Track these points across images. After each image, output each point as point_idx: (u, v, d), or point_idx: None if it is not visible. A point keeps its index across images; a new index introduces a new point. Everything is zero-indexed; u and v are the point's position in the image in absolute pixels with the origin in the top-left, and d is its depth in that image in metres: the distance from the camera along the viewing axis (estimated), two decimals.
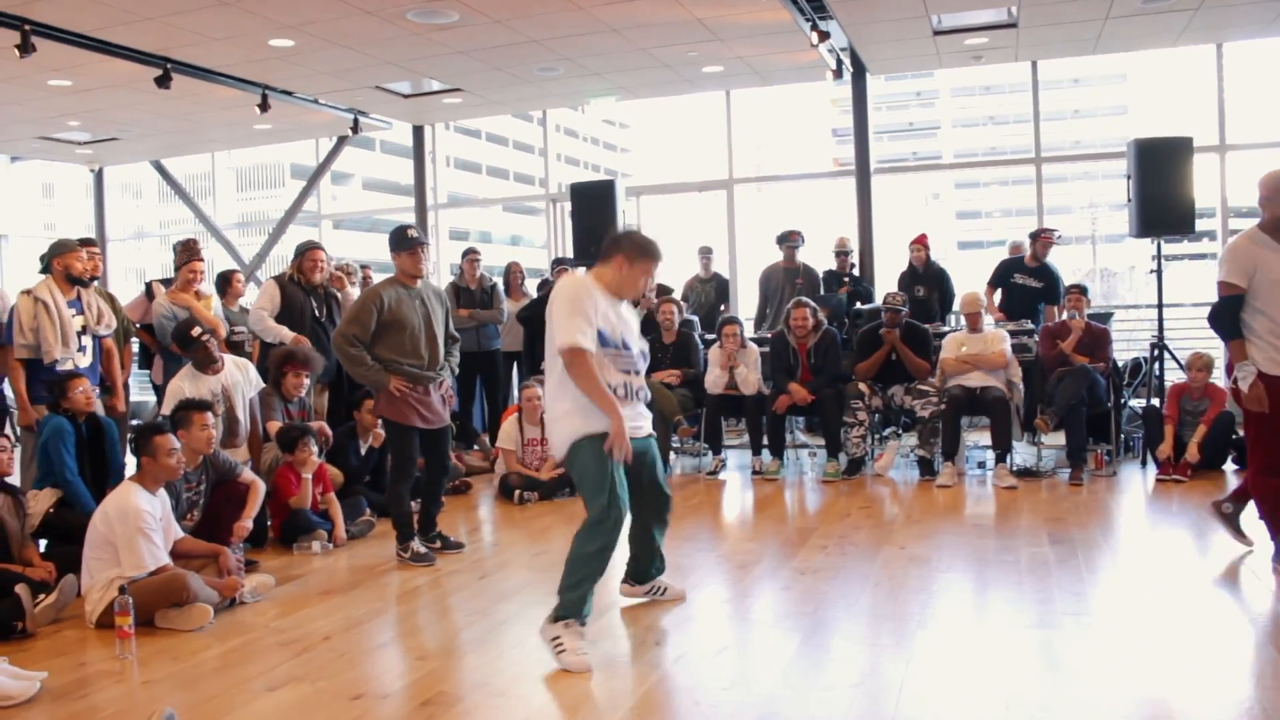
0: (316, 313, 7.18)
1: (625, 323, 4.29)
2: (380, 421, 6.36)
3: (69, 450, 5.57)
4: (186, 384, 6.12)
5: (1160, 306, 8.54)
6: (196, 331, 6.28)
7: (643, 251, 4.23)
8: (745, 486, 7.83)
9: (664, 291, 9.66)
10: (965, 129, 70.16)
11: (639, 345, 4.36)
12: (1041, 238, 8.92)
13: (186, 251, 7.43)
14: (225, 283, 8.05)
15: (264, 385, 6.63)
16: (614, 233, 4.44)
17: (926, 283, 9.29)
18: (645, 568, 4.75)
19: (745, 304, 11.14)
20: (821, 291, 9.57)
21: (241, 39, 8.84)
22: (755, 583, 5.04)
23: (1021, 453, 8.05)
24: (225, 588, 4.79)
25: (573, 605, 4.02)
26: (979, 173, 66.58)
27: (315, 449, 6.30)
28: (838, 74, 10.29)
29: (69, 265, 6.10)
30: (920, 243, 9.45)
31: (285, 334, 7.00)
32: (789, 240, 9.71)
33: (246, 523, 5.44)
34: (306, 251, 7.24)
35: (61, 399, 5.64)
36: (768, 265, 9.97)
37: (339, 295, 7.55)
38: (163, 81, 9.20)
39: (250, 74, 10.03)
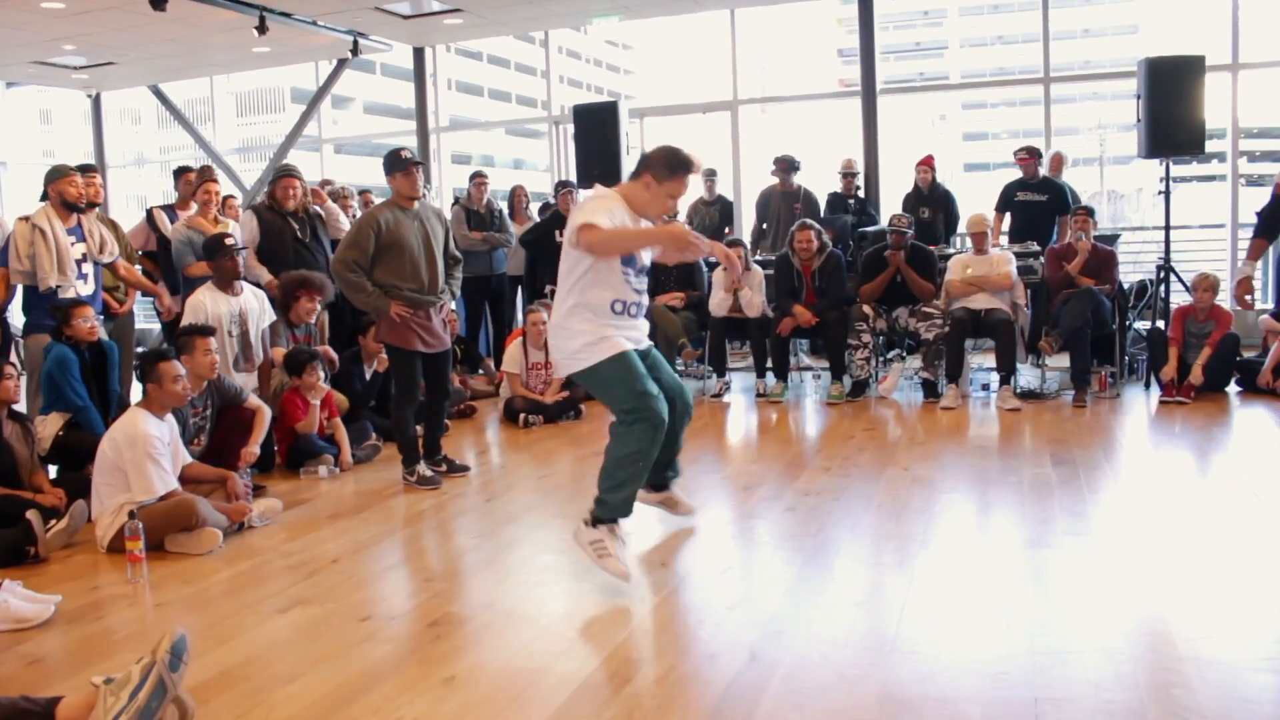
0: (299, 234, 7.07)
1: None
2: (383, 346, 6.36)
3: (75, 377, 5.59)
4: (208, 299, 6.11)
5: (1167, 229, 8.48)
6: (230, 241, 6.28)
7: (671, 168, 3.98)
8: (749, 409, 7.85)
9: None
10: (973, 49, 69.04)
11: (644, 264, 4.21)
12: (1020, 160, 8.87)
13: (200, 176, 7.36)
14: (220, 209, 7.99)
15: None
16: (662, 150, 4.06)
17: (931, 204, 9.23)
18: (661, 471, 4.56)
19: (749, 226, 11.08)
20: (822, 214, 9.51)
21: None
22: (759, 504, 5.08)
23: (1025, 375, 8.06)
24: (234, 512, 4.83)
25: (617, 507, 3.98)
26: (986, 93, 65.50)
27: (323, 374, 6.31)
28: None
29: (63, 191, 6.03)
30: (926, 164, 9.37)
31: (263, 275, 6.94)
32: (781, 165, 9.61)
33: (254, 448, 5.48)
34: (280, 179, 7.11)
35: (64, 326, 5.64)
36: (765, 188, 9.90)
37: (321, 213, 7.44)
38: (158, 4, 9.06)
39: None
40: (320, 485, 5.88)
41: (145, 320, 11.34)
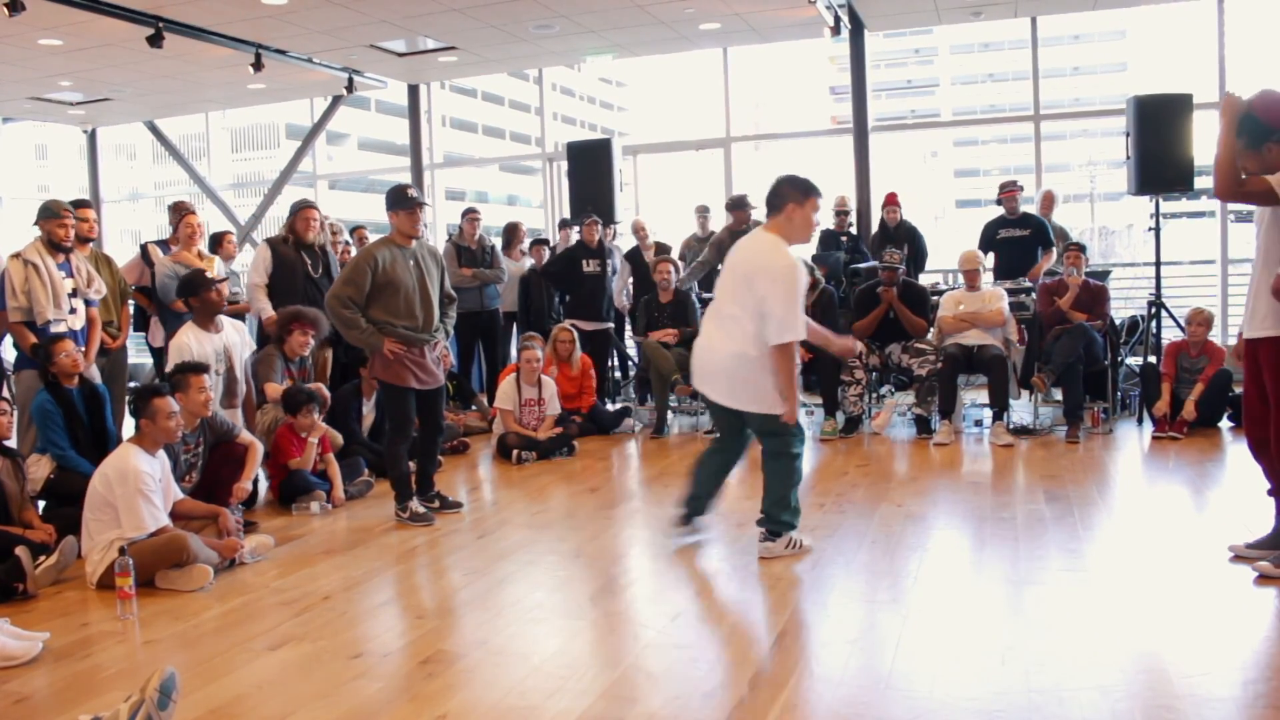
0: (311, 271, 7.12)
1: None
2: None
3: (57, 426, 5.54)
4: (192, 340, 6.07)
5: (1158, 264, 8.54)
6: (211, 274, 6.27)
7: (804, 191, 4.69)
8: None
9: (661, 250, 9.62)
10: (964, 86, 69.73)
11: None
12: (1005, 194, 8.90)
13: (178, 211, 7.39)
14: (216, 244, 8.03)
15: (258, 349, 6.62)
16: (773, 184, 4.78)
17: (897, 241, 9.26)
18: (701, 508, 5.14)
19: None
20: (815, 251, 9.52)
21: None
22: (753, 540, 5.05)
23: (1019, 411, 8.07)
24: (225, 548, 4.81)
25: (792, 519, 4.78)
26: (978, 130, 66.16)
27: (319, 414, 6.31)
28: (836, 30, 10.19)
29: (50, 232, 6.02)
30: (892, 201, 9.44)
31: (266, 309, 6.96)
32: (741, 205, 9.54)
33: (245, 484, 5.45)
34: (300, 210, 7.20)
35: (48, 364, 5.59)
36: (719, 230, 9.72)
37: (333, 252, 7.51)
38: (155, 41, 9.12)
39: (243, 33, 9.94)
40: (312, 521, 5.85)
41: (138, 355, 11.32)
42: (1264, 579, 4.14)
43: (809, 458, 7.29)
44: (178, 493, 4.98)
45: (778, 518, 4.77)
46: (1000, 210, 8.98)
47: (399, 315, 5.54)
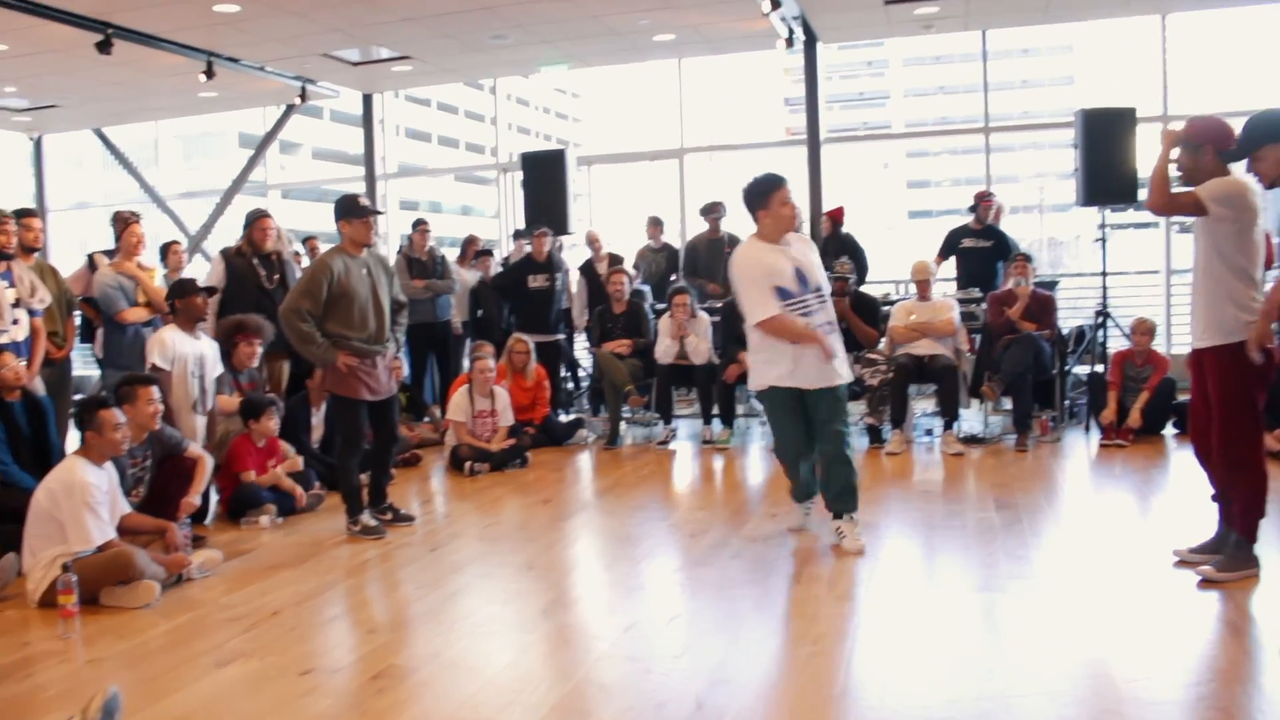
0: (265, 283, 7.04)
1: (801, 260, 4.96)
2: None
3: None
4: (174, 337, 5.97)
5: (1104, 275, 8.66)
6: (202, 282, 6.22)
7: (769, 186, 4.96)
8: (696, 456, 7.87)
9: (615, 261, 9.63)
10: (915, 98, 70.42)
11: (815, 281, 4.99)
12: (984, 202, 9.01)
13: (121, 221, 7.28)
14: (164, 254, 7.93)
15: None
16: (744, 189, 5.05)
17: (835, 254, 9.33)
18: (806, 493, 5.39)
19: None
20: None
21: (185, 3, 8.66)
22: (706, 551, 5.07)
23: (969, 419, 8.15)
24: (172, 564, 4.73)
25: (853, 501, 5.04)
26: (929, 142, 66.92)
27: (278, 421, 6.27)
28: (789, 42, 10.25)
29: None
30: (837, 215, 9.53)
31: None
32: (713, 211, 9.63)
33: (194, 498, 5.38)
34: (256, 220, 7.11)
35: None
36: (692, 237, 9.85)
37: (290, 261, 7.42)
38: (104, 47, 9.00)
39: (195, 40, 9.83)
40: (262, 535, 5.78)
41: (84, 366, 11.14)
42: (1207, 582, 4.22)
43: (761, 468, 7.33)
44: (125, 506, 4.90)
45: (844, 500, 5.07)
46: (967, 219, 9.09)
47: (353, 327, 5.49)
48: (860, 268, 9.52)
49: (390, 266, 5.90)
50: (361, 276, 5.53)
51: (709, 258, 9.41)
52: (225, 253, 7.14)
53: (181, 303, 6.14)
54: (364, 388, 5.57)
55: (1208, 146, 4.25)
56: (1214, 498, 4.51)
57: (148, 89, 11.81)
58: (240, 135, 39.67)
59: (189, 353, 5.96)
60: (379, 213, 5.63)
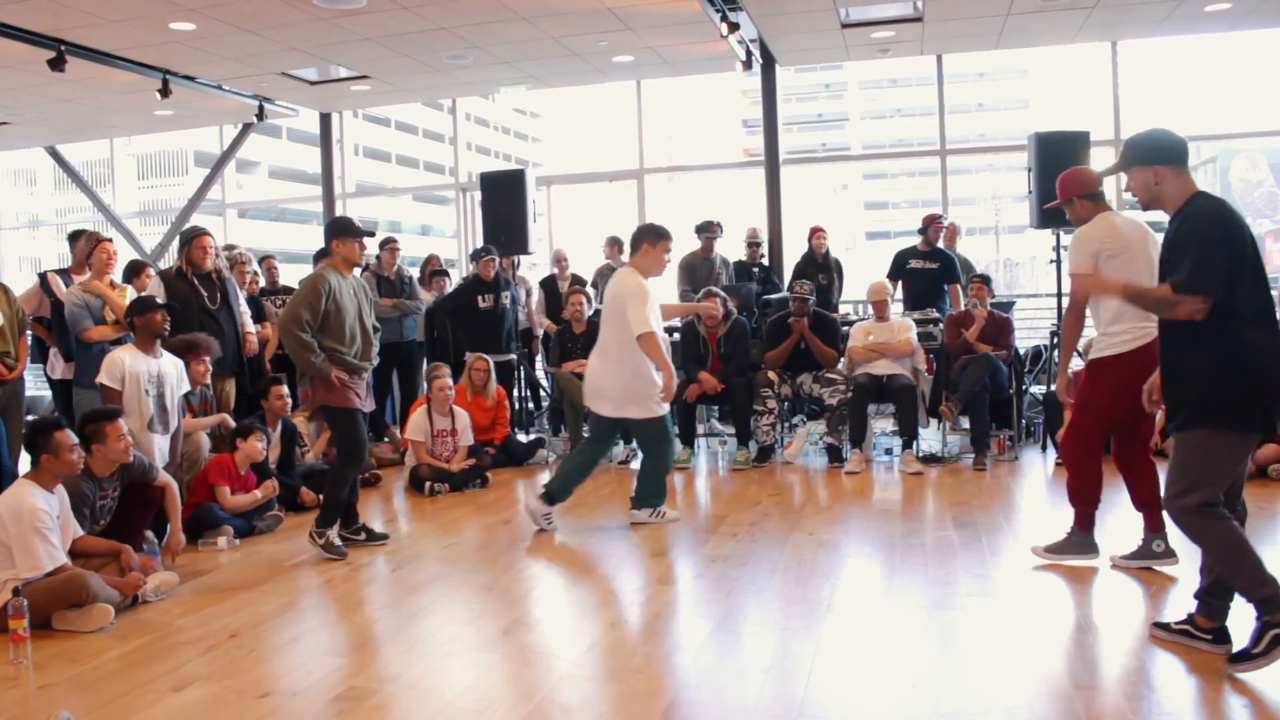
0: (208, 303, 6.96)
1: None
2: (315, 410, 6.25)
3: None
4: (126, 356, 5.87)
5: (1059, 296, 8.76)
6: (161, 299, 6.15)
7: (658, 234, 6.00)
8: None
9: (575, 281, 9.64)
10: (873, 121, 71.23)
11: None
12: (933, 225, 9.12)
13: (91, 239, 7.19)
14: (134, 273, 7.83)
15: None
16: (644, 224, 6.21)
17: (826, 271, 9.43)
18: (562, 494, 6.13)
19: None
20: (733, 279, 9.64)
21: (140, 21, 8.61)
22: (667, 570, 5.07)
23: (927, 439, 8.22)
24: (126, 585, 4.66)
25: (658, 497, 6.11)
26: (886, 164, 67.52)
27: (265, 447, 6.33)
28: (747, 65, 10.35)
29: None
30: (818, 233, 9.62)
31: None
32: (709, 230, 9.69)
33: (180, 536, 5.35)
34: (194, 239, 6.99)
35: None
36: (686, 255, 9.92)
37: (230, 278, 7.33)
38: (56, 64, 8.92)
39: (150, 58, 9.77)
40: (220, 557, 5.72)
41: (36, 387, 10.97)
42: (1156, 594, 4.35)
43: (720, 486, 7.35)
44: (78, 529, 4.82)
45: (649, 498, 6.12)
46: (915, 240, 9.18)
47: (344, 342, 5.55)
48: (839, 285, 9.61)
49: (369, 291, 5.94)
50: (352, 295, 5.63)
51: (706, 275, 9.47)
52: (164, 274, 7.01)
53: (140, 319, 6.04)
54: (356, 397, 5.63)
55: (1073, 198, 4.90)
56: (1136, 506, 4.82)
57: (102, 106, 11.71)
58: (197, 154, 39.38)
59: (143, 371, 5.87)
60: (372, 234, 5.76)
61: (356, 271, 5.80)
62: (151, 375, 5.92)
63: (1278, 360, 3.34)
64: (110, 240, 7.13)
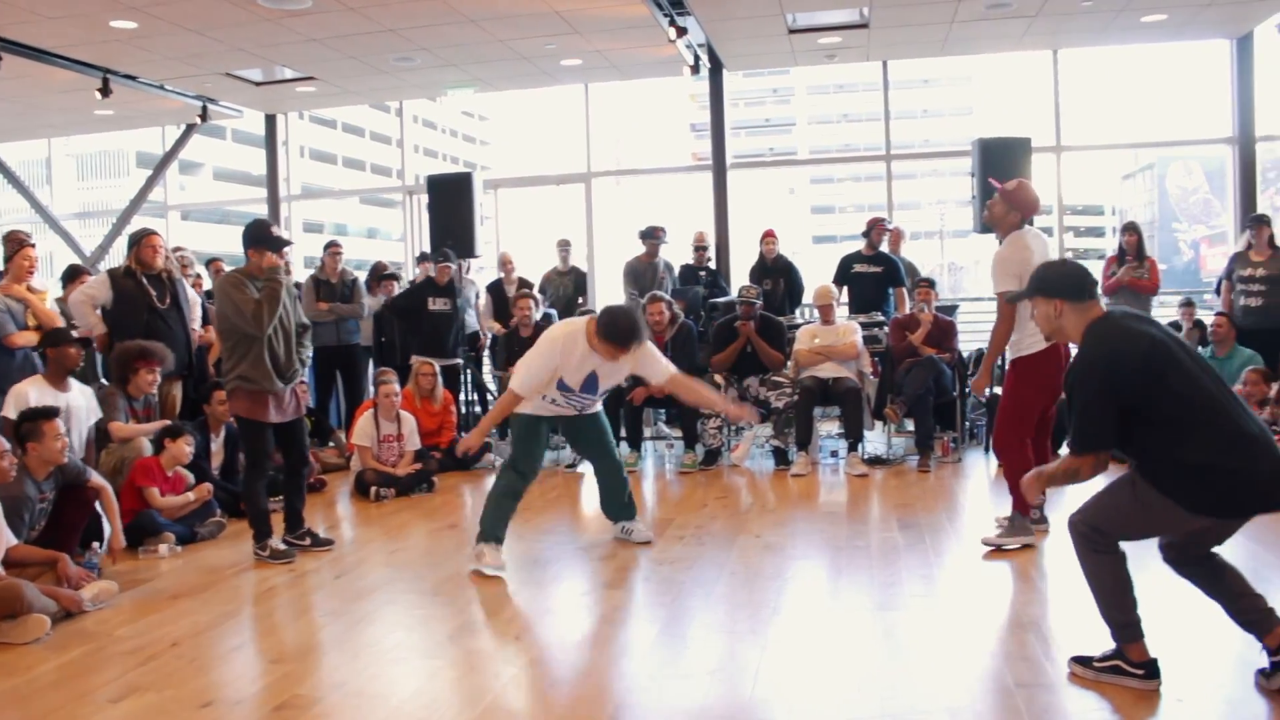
0: (156, 303, 6.84)
1: (604, 368, 5.20)
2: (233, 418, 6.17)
3: None
4: (32, 391, 5.74)
5: None
6: (77, 332, 5.98)
7: (606, 335, 5.02)
8: None
9: (523, 285, 9.62)
10: (820, 125, 71.71)
11: (603, 386, 5.36)
12: (876, 228, 9.20)
13: (14, 242, 7.04)
14: (73, 277, 7.68)
15: (106, 391, 6.36)
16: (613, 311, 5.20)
17: (775, 275, 9.48)
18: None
19: (603, 297, 11.19)
20: (678, 285, 9.67)
21: (79, 18, 8.47)
22: (614, 573, 5.07)
23: (872, 441, 8.30)
24: (65, 602, 4.56)
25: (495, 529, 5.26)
26: (833, 168, 68.22)
27: (192, 451, 6.20)
28: (695, 69, 10.41)
29: None
30: (770, 236, 9.67)
31: (98, 327, 6.69)
32: (653, 236, 9.72)
33: (120, 539, 5.25)
34: (144, 239, 6.87)
35: None
36: (631, 259, 9.92)
37: (180, 279, 7.22)
38: None
39: (90, 56, 9.61)
40: (160, 565, 5.62)
41: None
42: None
43: (667, 489, 7.37)
44: (11, 539, 4.72)
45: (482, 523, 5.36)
46: (858, 244, 9.26)
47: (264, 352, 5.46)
48: (796, 289, 9.65)
49: (293, 289, 5.83)
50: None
51: (650, 279, 9.49)
52: (113, 273, 6.89)
53: (53, 352, 5.89)
54: (270, 410, 5.50)
55: (1013, 209, 5.35)
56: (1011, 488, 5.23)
57: (40, 105, 11.50)
58: (139, 154, 38.69)
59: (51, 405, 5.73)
60: (290, 244, 5.60)
61: (291, 275, 5.74)
62: (59, 410, 5.78)
63: (1232, 451, 3.13)
64: (33, 245, 6.97)
